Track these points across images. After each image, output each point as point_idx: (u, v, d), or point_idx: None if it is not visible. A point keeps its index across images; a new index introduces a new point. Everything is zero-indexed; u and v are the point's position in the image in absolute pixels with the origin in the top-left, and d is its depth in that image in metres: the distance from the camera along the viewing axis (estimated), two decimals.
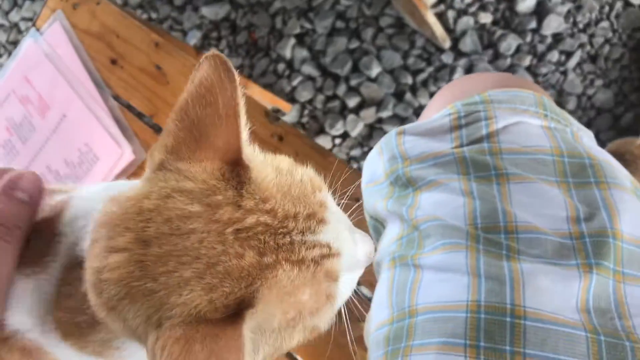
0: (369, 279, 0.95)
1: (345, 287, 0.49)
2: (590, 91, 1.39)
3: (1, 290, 0.43)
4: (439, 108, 0.71)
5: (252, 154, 0.46)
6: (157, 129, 1.03)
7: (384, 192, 0.67)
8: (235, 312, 0.37)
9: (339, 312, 0.93)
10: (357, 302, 0.94)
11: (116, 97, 1.07)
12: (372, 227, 0.73)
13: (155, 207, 0.40)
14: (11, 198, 0.45)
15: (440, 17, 1.49)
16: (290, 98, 1.61)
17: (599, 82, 1.39)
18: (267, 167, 0.45)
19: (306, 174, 0.47)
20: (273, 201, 0.42)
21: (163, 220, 0.39)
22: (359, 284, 1.00)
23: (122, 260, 0.38)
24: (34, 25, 1.16)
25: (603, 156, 0.63)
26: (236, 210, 0.40)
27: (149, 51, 1.05)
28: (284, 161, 0.47)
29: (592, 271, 0.55)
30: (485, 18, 1.47)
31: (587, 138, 0.66)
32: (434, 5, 1.50)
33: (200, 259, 0.38)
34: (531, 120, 0.64)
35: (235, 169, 0.43)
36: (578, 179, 0.60)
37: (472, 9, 1.48)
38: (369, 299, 0.94)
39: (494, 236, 0.58)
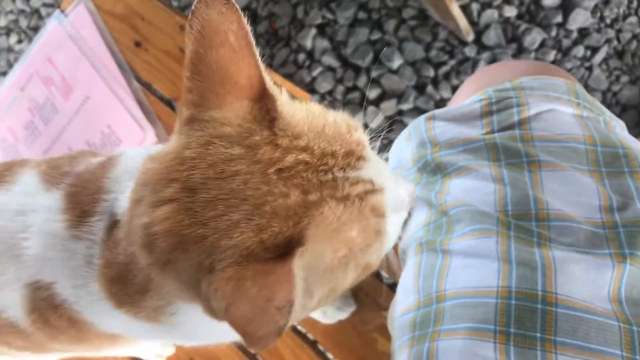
0: (392, 269, 0.94)
1: (393, 229, 0.48)
2: (615, 87, 1.37)
3: None
4: (469, 94, 0.70)
5: (274, 87, 0.45)
6: None
7: (411, 178, 0.67)
8: (285, 251, 0.36)
9: (361, 300, 0.93)
10: (381, 290, 0.94)
11: (139, 80, 1.07)
12: None
13: (198, 155, 0.39)
14: None
15: (464, 9, 1.47)
16: (310, 89, 1.60)
17: (625, 79, 1.37)
18: (295, 106, 0.45)
19: (340, 116, 0.47)
20: (305, 138, 0.42)
21: (207, 165, 0.39)
22: (378, 274, 1.00)
23: (171, 211, 0.38)
24: (58, 7, 1.17)
25: (637, 145, 0.62)
26: (275, 150, 0.40)
27: (173, 34, 1.05)
28: (314, 106, 0.47)
29: (626, 261, 0.54)
30: (510, 11, 1.45)
31: (619, 128, 0.65)
32: None
33: (247, 200, 0.38)
34: (563, 108, 0.63)
35: (264, 105, 0.42)
36: (611, 168, 0.59)
37: (497, 2, 1.47)
38: (390, 286, 0.94)
39: (525, 223, 0.57)
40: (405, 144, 0.69)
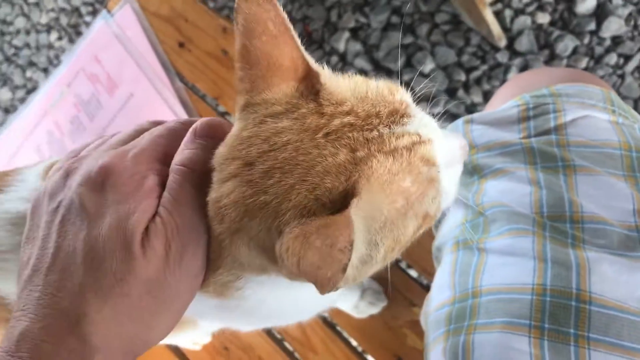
0: (421, 264, 0.97)
1: (448, 182, 0.49)
2: None
3: (204, 245, 0.45)
4: (505, 99, 0.72)
5: (318, 66, 0.48)
6: (222, 113, 1.06)
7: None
8: (342, 206, 0.39)
9: (391, 296, 0.95)
10: (411, 286, 0.96)
11: (182, 80, 1.11)
12: None
13: (253, 134, 0.43)
14: (203, 146, 0.46)
15: (497, 15, 1.49)
16: None
17: None
18: (339, 78, 0.47)
19: (382, 82, 0.48)
20: (349, 104, 0.44)
21: (261, 141, 0.42)
22: (409, 266, 1.02)
23: (235, 185, 0.42)
24: (105, 7, 1.21)
25: None
26: (320, 117, 0.43)
27: (216, 36, 1.09)
28: (357, 77, 0.48)
29: None
30: (543, 18, 1.47)
31: None
32: (492, 4, 1.50)
33: (299, 165, 0.41)
34: (599, 115, 0.65)
35: (309, 82, 0.45)
36: None
37: (530, 9, 1.48)
38: (420, 284, 0.97)
39: (560, 225, 0.60)
40: None
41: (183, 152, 0.45)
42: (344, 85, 0.46)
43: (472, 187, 0.66)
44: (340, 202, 0.40)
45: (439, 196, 0.47)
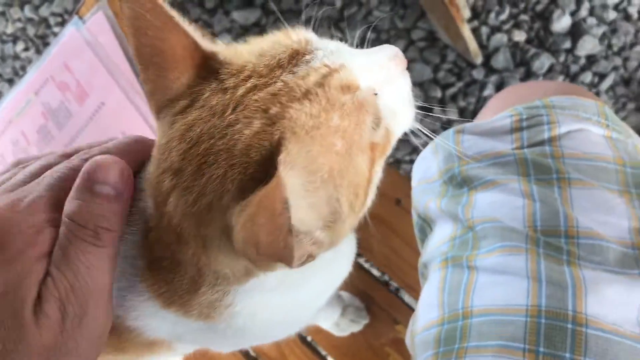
0: (406, 280, 0.94)
1: (394, 101, 0.46)
2: (622, 114, 1.39)
3: (107, 302, 0.40)
4: (497, 111, 0.71)
5: (213, 44, 0.46)
6: None
7: (437, 191, 0.67)
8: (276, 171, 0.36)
9: (374, 313, 0.92)
10: (395, 304, 0.93)
11: None
12: (419, 228, 0.73)
13: (170, 137, 0.41)
14: (93, 194, 0.39)
15: (474, 32, 1.49)
16: None
17: (631, 106, 1.39)
18: (238, 46, 0.45)
19: (277, 32, 0.46)
20: (250, 66, 0.42)
21: (178, 141, 0.40)
22: (397, 289, 0.99)
23: (176, 198, 0.39)
24: (76, 13, 1.17)
25: None
26: (224, 94, 0.41)
27: None
28: (255, 37, 0.46)
29: None
30: (519, 36, 1.48)
31: None
32: (469, 21, 1.51)
33: (221, 151, 0.38)
34: (593, 129, 0.63)
35: (208, 64, 0.43)
36: None
37: (507, 27, 1.49)
38: (404, 301, 0.94)
39: (554, 240, 0.57)
40: (431, 157, 0.69)
41: (71, 203, 0.39)
42: (244, 51, 0.44)
43: (461, 199, 0.64)
44: (271, 167, 0.37)
45: (382, 120, 0.45)
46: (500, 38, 1.49)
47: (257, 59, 0.42)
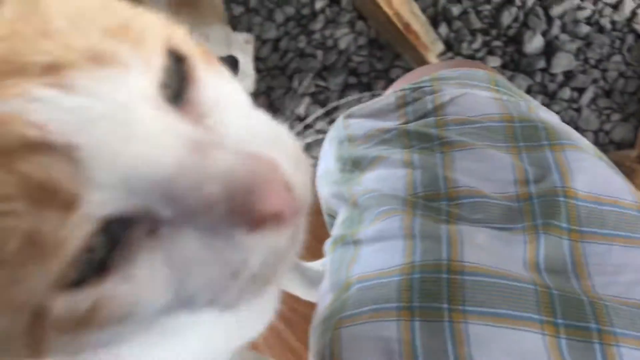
0: None
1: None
2: (607, 126, 1.33)
3: None
4: None
5: None
6: None
7: (333, 179, 0.64)
8: None
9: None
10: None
11: None
12: (330, 227, 0.69)
13: None
14: None
15: None
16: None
17: (616, 117, 1.33)
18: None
19: None
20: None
21: None
22: None
23: None
24: None
25: (560, 125, 0.59)
26: None
27: None
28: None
29: (539, 232, 0.50)
30: (494, 62, 1.45)
31: (544, 112, 0.62)
32: (442, 53, 1.50)
33: None
34: (479, 92, 0.60)
35: None
36: (529, 142, 0.56)
37: (480, 54, 1.47)
38: None
39: (434, 204, 0.54)
40: (328, 148, 0.67)
41: None
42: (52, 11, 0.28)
43: (351, 182, 0.61)
44: None
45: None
46: None
47: (28, 37, 0.27)
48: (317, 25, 1.70)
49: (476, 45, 1.47)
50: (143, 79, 0.28)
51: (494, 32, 1.47)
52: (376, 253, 0.53)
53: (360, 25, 1.66)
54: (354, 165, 0.61)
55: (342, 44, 1.67)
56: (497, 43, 1.46)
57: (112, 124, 0.25)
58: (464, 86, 0.61)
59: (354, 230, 0.56)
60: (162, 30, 0.31)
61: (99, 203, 0.25)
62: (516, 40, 1.44)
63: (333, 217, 0.67)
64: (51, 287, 0.25)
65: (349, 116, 0.65)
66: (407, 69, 1.55)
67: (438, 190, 0.54)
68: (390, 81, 1.58)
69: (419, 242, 0.50)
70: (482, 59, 1.47)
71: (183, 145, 0.27)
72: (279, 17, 1.76)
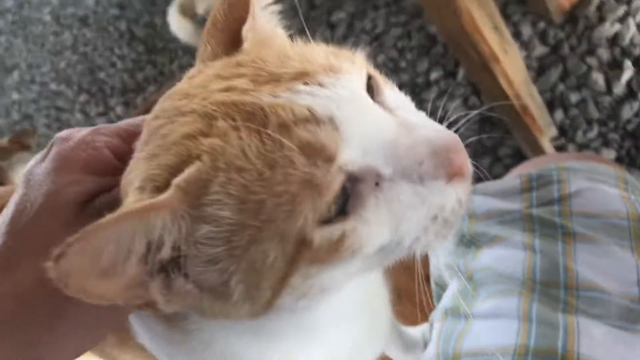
0: None
1: (389, 203, 0.38)
2: None
3: None
4: None
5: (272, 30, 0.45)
6: None
7: (448, 250, 0.66)
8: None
9: None
10: None
11: None
12: (436, 296, 0.71)
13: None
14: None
15: (560, 149, 1.47)
16: None
17: None
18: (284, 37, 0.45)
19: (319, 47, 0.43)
20: (257, 64, 0.38)
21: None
22: None
23: None
24: None
25: None
26: (210, 80, 0.40)
27: None
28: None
29: None
30: (609, 154, 1.43)
31: None
32: (555, 138, 1.49)
33: (164, 135, 0.38)
34: (607, 189, 0.61)
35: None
36: None
37: (595, 144, 1.45)
38: None
39: (553, 291, 0.55)
40: None
41: None
42: (275, 47, 0.42)
43: (467, 256, 0.63)
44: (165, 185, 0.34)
45: (345, 218, 0.36)
46: None
47: (275, 62, 0.38)
48: (430, 95, 1.74)
49: (591, 134, 1.46)
50: (360, 82, 0.40)
51: (611, 124, 1.44)
52: (490, 330, 0.54)
53: (473, 99, 1.68)
54: (471, 240, 0.63)
55: (453, 117, 1.69)
56: (613, 135, 1.43)
57: (354, 105, 0.37)
58: (592, 180, 0.61)
59: (467, 304, 0.58)
60: (360, 56, 0.44)
61: (349, 158, 0.36)
62: (635, 136, 1.41)
63: (441, 286, 0.68)
64: (315, 221, 0.35)
65: (472, 192, 0.67)
66: (517, 149, 1.55)
67: (557, 279, 0.55)
68: (497, 159, 1.58)
69: (535, 327, 0.51)
70: (596, 150, 1.45)
71: (395, 122, 0.39)
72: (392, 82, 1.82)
